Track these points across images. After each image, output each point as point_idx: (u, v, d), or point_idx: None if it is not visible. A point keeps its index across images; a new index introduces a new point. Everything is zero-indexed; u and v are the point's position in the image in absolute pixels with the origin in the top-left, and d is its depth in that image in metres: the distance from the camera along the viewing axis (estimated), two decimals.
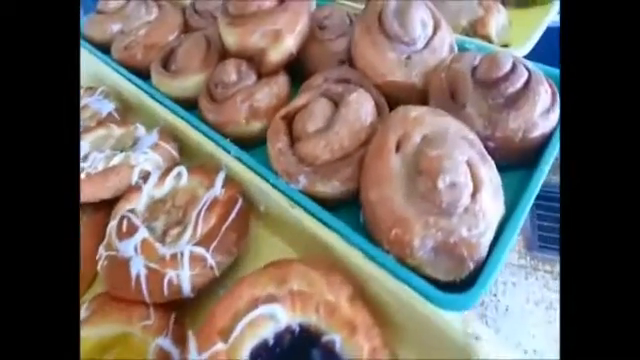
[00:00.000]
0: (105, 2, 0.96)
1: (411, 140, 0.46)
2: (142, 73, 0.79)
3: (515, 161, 0.51)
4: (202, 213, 0.50)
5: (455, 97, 0.53)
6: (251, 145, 0.64)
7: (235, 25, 0.66)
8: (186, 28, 0.89)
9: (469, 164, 0.43)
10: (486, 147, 0.48)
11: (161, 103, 0.71)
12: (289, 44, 0.65)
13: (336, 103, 0.57)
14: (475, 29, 0.67)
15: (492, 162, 0.46)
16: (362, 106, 0.55)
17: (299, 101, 0.59)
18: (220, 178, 0.55)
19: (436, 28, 0.59)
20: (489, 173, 0.44)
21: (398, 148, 0.46)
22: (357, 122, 0.54)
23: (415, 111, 0.49)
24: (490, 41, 0.68)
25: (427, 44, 0.58)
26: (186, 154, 0.66)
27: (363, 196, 0.47)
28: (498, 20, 0.69)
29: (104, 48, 0.89)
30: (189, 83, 0.72)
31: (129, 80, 0.78)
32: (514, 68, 0.50)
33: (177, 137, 0.66)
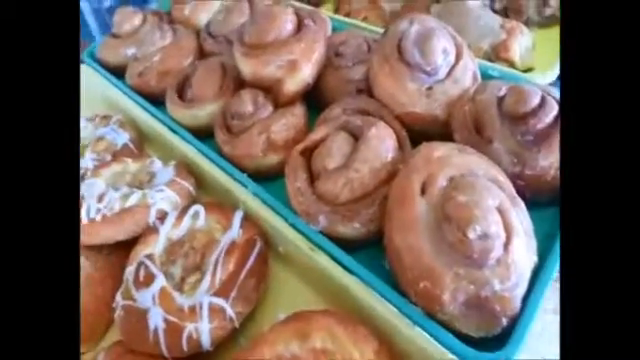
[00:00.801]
0: (119, 25, 0.96)
1: (437, 183, 0.44)
2: (157, 100, 0.78)
3: (546, 199, 0.48)
4: (220, 259, 0.48)
5: (481, 131, 0.51)
6: (269, 177, 0.62)
7: (251, 55, 0.65)
8: (201, 52, 0.88)
9: (500, 210, 0.41)
10: (515, 185, 0.45)
11: (176, 133, 0.70)
12: (305, 74, 0.63)
13: (355, 137, 0.56)
14: (497, 53, 0.65)
15: (523, 204, 0.43)
16: (383, 141, 0.53)
17: (317, 134, 0.58)
18: (238, 218, 0.54)
19: (458, 56, 0.57)
20: (521, 218, 0.42)
21: (423, 191, 0.44)
22: (378, 159, 0.52)
23: (439, 150, 0.47)
24: (513, 65, 0.65)
25: (449, 73, 0.56)
26: (203, 188, 0.65)
27: (388, 242, 0.45)
28: (521, 43, 0.66)
29: (118, 72, 0.88)
30: (204, 112, 0.71)
31: (144, 108, 0.77)
32: (543, 102, 0.48)
33: (194, 171, 0.65)
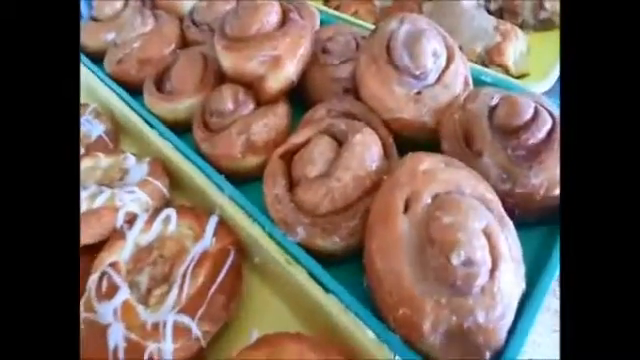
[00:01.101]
0: (100, 8, 0.92)
1: (421, 200, 0.41)
2: (136, 89, 0.74)
3: (537, 219, 0.46)
4: (189, 271, 0.45)
5: (470, 143, 0.48)
6: (248, 180, 0.59)
7: (232, 49, 0.61)
8: (183, 41, 0.83)
9: (486, 233, 0.38)
10: (504, 202, 0.43)
11: (153, 127, 0.67)
12: (289, 71, 0.60)
13: (339, 142, 0.53)
14: (491, 57, 0.62)
15: (511, 225, 0.41)
16: (367, 149, 0.50)
17: (299, 137, 0.55)
18: (212, 225, 0.51)
19: (449, 59, 0.54)
20: (509, 242, 0.39)
21: (407, 207, 0.41)
22: (362, 167, 0.49)
23: (425, 163, 0.44)
24: (507, 70, 0.62)
25: (439, 78, 0.53)
26: (179, 187, 0.61)
27: (367, 261, 0.43)
28: (516, 47, 0.63)
29: (98, 58, 0.84)
30: (183, 106, 0.68)
31: (121, 98, 0.73)
32: (536, 115, 0.45)
33: (169, 168, 0.62)
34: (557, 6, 0.65)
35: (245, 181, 0.59)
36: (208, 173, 0.57)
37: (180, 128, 0.66)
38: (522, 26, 0.69)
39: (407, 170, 0.44)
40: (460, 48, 0.63)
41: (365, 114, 0.56)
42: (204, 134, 0.61)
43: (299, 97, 0.65)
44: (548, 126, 0.44)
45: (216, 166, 0.59)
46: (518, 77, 0.63)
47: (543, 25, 0.68)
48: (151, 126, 0.67)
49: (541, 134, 0.44)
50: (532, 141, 0.44)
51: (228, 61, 0.62)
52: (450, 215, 0.38)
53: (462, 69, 0.54)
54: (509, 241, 0.39)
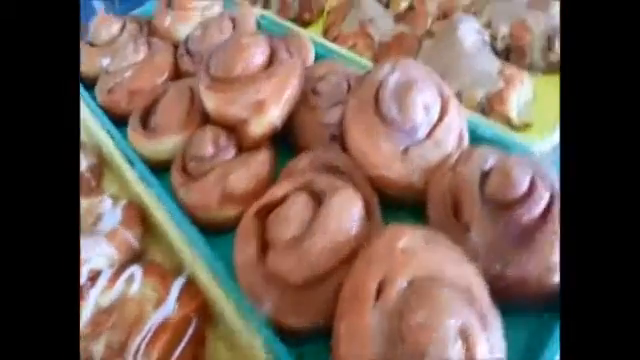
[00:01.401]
0: (97, 32, 0.90)
1: (395, 284, 0.36)
2: (126, 122, 0.71)
3: (530, 304, 0.41)
4: (143, 345, 0.42)
5: (459, 213, 0.43)
6: (226, 231, 0.55)
7: (215, 90, 0.57)
8: (176, 70, 0.80)
9: (464, 334, 0.33)
10: (495, 286, 0.38)
11: (134, 166, 0.64)
12: (273, 116, 0.56)
13: (319, 200, 0.48)
14: (492, 105, 0.56)
15: (496, 321, 0.36)
16: (347, 212, 0.46)
17: (277, 191, 0.51)
18: (176, 288, 0.48)
19: (443, 112, 0.49)
20: (490, 342, 0.34)
21: (380, 290, 0.37)
22: (339, 233, 0.45)
23: (405, 239, 0.39)
24: (509, 121, 0.56)
25: (430, 133, 0.49)
26: (153, 235, 0.58)
27: (334, 343, 0.38)
28: (520, 95, 0.57)
29: (92, 84, 0.82)
30: (165, 146, 0.64)
31: (108, 132, 0.70)
32: (532, 189, 0.40)
33: (145, 213, 0.58)
34: None
35: (224, 232, 0.55)
36: (181, 224, 0.54)
37: (163, 170, 0.63)
38: (530, 67, 0.63)
39: (385, 246, 0.39)
40: (459, 93, 0.58)
41: (349, 168, 0.51)
42: (182, 179, 0.58)
43: (287, 139, 0.61)
44: (544, 203, 0.39)
45: (192, 215, 0.55)
46: (521, 128, 0.57)
47: (552, 68, 0.62)
48: (132, 164, 0.64)
49: (536, 211, 0.39)
50: (526, 218, 0.39)
51: (210, 102, 0.59)
52: (425, 309, 0.34)
53: (456, 123, 0.49)
54: (491, 341, 0.34)
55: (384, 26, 0.70)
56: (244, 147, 0.58)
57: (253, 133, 0.56)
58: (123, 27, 0.91)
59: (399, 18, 0.70)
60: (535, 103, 0.59)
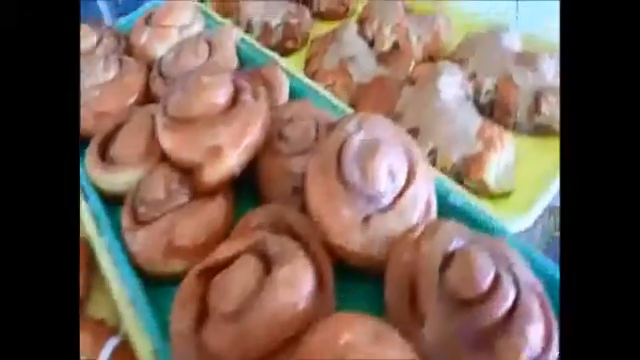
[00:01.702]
0: None
1: None
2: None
3: None
4: None
5: (415, 299, 0.39)
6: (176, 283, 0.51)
7: (171, 130, 0.53)
8: (147, 92, 0.76)
9: None
10: None
11: (87, 200, 0.59)
12: (230, 163, 0.52)
13: (269, 267, 0.44)
14: (468, 169, 0.52)
15: None
16: (295, 286, 0.41)
17: (225, 251, 0.46)
18: (107, 351, 0.43)
19: (410, 178, 0.45)
20: None
21: None
22: (283, 310, 0.40)
23: (349, 333, 0.35)
24: (485, 188, 0.52)
25: (394, 202, 0.44)
26: (97, 283, 0.54)
27: None
28: (500, 159, 0.52)
29: None
30: (121, 180, 0.60)
31: None
32: (496, 285, 0.36)
33: (92, 257, 0.54)
34: (556, 112, 0.55)
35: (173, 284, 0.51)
36: (123, 275, 0.50)
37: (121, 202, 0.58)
38: (515, 127, 0.59)
39: (327, 337, 0.35)
40: (433, 151, 0.54)
41: (306, 232, 0.47)
42: (129, 223, 0.54)
43: (250, 183, 0.57)
44: (509, 303, 0.35)
45: (137, 266, 0.51)
46: (499, 196, 0.52)
47: (538, 131, 0.57)
48: (86, 198, 0.60)
49: (500, 310, 0.35)
50: (486, 320, 0.35)
51: (166, 143, 0.54)
52: None
53: (424, 191, 0.45)
54: None
55: (365, 66, 0.66)
56: (198, 194, 0.53)
57: (208, 180, 0.52)
58: (100, 41, 0.86)
59: (381, 59, 0.66)
60: (517, 169, 0.54)
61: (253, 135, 0.52)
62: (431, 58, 0.71)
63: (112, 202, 0.59)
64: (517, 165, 0.54)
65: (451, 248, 0.40)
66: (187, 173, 0.54)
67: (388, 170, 0.44)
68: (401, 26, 0.71)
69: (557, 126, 0.56)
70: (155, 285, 0.50)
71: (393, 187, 0.45)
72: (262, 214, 0.50)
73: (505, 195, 0.52)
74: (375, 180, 0.43)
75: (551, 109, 0.55)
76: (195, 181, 0.53)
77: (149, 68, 0.79)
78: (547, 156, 0.54)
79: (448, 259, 0.40)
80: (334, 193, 0.45)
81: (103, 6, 1.71)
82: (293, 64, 0.77)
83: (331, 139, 0.48)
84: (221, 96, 0.53)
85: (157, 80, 0.74)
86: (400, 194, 0.44)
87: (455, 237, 0.41)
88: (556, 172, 0.51)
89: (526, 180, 0.53)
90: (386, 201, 0.44)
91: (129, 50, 0.85)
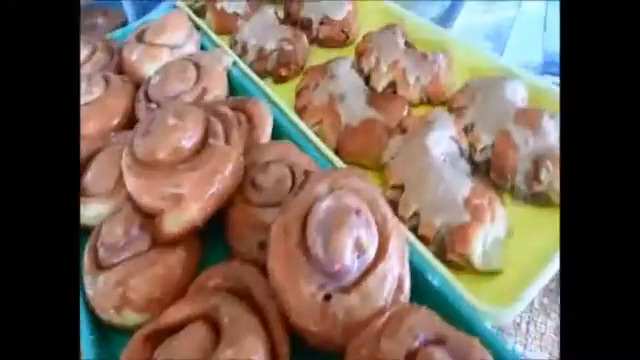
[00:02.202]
0: None
1: None
2: None
3: None
4: None
5: None
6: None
7: (134, 172, 0.50)
8: (132, 114, 0.72)
9: None
10: None
11: None
12: (192, 214, 0.48)
13: (219, 336, 0.40)
14: (452, 240, 0.46)
15: None
16: None
17: (175, 314, 0.43)
18: None
19: (380, 255, 0.40)
20: None
21: None
22: None
23: None
24: (470, 264, 0.46)
25: (360, 280, 0.39)
26: None
27: None
28: (489, 233, 0.46)
29: None
30: (89, 212, 0.56)
31: None
32: None
33: None
34: (556, 181, 0.49)
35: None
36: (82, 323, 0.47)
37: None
38: (512, 190, 0.53)
39: None
40: (416, 214, 0.49)
41: (266, 301, 0.43)
42: (89, 267, 0.50)
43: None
44: None
45: (94, 313, 0.48)
46: (485, 274, 0.47)
47: (536, 199, 0.51)
48: None
49: None
50: None
51: (129, 184, 0.51)
52: None
53: (396, 268, 0.40)
54: None
55: (355, 106, 0.61)
56: (158, 242, 0.49)
57: (167, 230, 0.48)
58: (92, 54, 0.83)
59: (372, 102, 0.61)
60: (509, 243, 0.49)
61: (220, 184, 0.48)
62: (429, 101, 0.66)
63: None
64: (509, 238, 0.49)
65: (415, 345, 0.35)
66: (149, 218, 0.50)
67: (355, 244, 0.39)
68: (399, 65, 0.65)
69: (556, 197, 0.50)
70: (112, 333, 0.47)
71: (360, 263, 0.40)
72: (221, 273, 0.46)
73: (493, 273, 0.47)
74: (338, 257, 0.39)
75: (551, 178, 0.49)
76: (155, 229, 0.49)
77: (138, 87, 0.75)
78: (545, 230, 0.48)
79: (411, 356, 0.35)
80: (295, 263, 0.40)
81: (127, 5, 1.69)
82: (286, 93, 0.73)
83: (299, 199, 0.43)
84: (188, 140, 0.49)
85: (141, 104, 0.71)
86: (367, 271, 0.40)
87: (422, 332, 0.36)
88: (555, 249, 0.45)
89: (518, 257, 0.47)
90: (351, 278, 0.40)
91: (121, 65, 0.82)
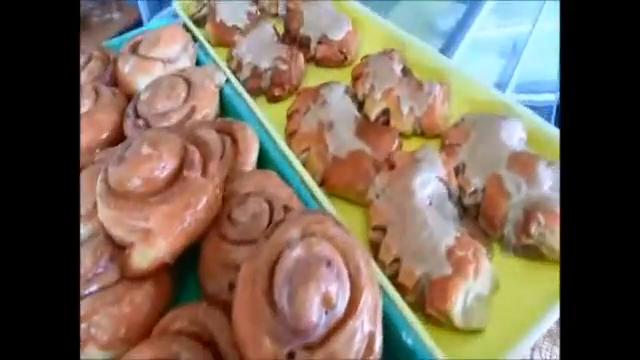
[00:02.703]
0: None
1: None
2: None
3: None
4: None
5: None
6: None
7: (106, 201, 0.47)
8: (121, 129, 0.71)
9: None
10: None
11: None
12: (159, 251, 0.46)
13: None
14: (432, 295, 0.43)
15: None
16: None
17: (137, 356, 0.41)
18: None
19: (351, 310, 0.37)
20: None
21: None
22: None
23: None
24: (450, 321, 0.43)
25: (327, 338, 0.37)
26: None
27: None
28: (470, 290, 0.43)
29: None
30: None
31: None
32: None
33: None
34: (547, 235, 0.46)
35: None
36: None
37: None
38: (501, 240, 0.49)
39: None
40: (396, 261, 0.46)
41: (228, 350, 0.41)
42: None
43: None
44: None
45: None
46: (466, 332, 0.44)
47: (526, 252, 0.48)
48: None
49: None
50: None
51: (101, 214, 0.49)
52: None
53: (366, 326, 0.38)
54: None
55: (344, 135, 0.58)
56: (126, 277, 0.47)
57: (135, 265, 0.46)
58: (86, 63, 0.82)
59: (362, 133, 0.58)
60: (495, 298, 0.45)
61: (191, 219, 0.46)
62: (422, 133, 0.63)
63: None
64: (495, 293, 0.45)
65: None
66: (120, 249, 0.48)
67: (323, 299, 0.37)
68: (393, 93, 0.62)
69: (547, 252, 0.47)
70: None
71: (328, 318, 0.37)
72: (187, 316, 0.44)
73: (475, 332, 0.43)
74: (303, 313, 0.36)
75: (541, 231, 0.46)
76: (123, 264, 0.47)
77: (130, 99, 0.74)
78: (535, 285, 0.45)
79: None
80: (259, 315, 0.38)
81: (141, 2, 1.69)
82: (279, 112, 0.71)
83: (269, 244, 0.41)
84: (161, 170, 0.46)
85: (129, 120, 0.69)
86: (336, 328, 0.37)
87: None
88: (545, 309, 0.42)
89: (505, 314, 0.44)
90: (318, 335, 0.37)
91: (115, 75, 0.80)
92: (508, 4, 1.50)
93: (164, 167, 0.47)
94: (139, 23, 1.70)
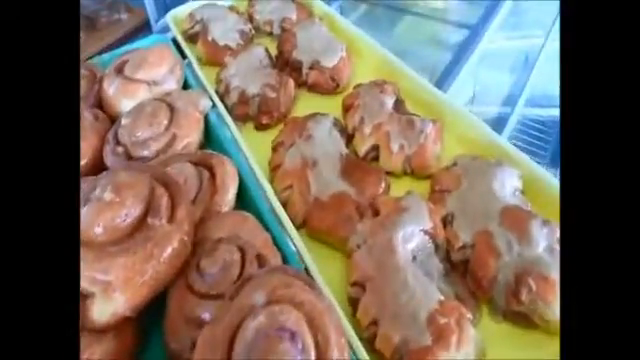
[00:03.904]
0: None
1: None
2: None
3: None
4: None
5: None
6: None
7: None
8: (101, 155, 0.68)
9: None
10: None
11: None
12: (120, 306, 0.42)
13: None
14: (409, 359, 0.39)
15: None
16: None
17: None
18: None
19: None
20: None
21: None
22: None
23: None
24: None
25: None
26: None
27: None
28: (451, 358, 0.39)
29: None
30: None
31: None
32: None
33: None
34: (539, 304, 0.42)
35: None
36: None
37: None
38: (490, 303, 0.46)
39: None
40: (374, 323, 0.43)
41: None
42: None
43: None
44: None
45: None
46: None
47: (515, 319, 0.44)
48: None
49: None
50: None
51: None
52: None
53: None
54: None
55: (328, 175, 0.54)
56: (86, 329, 0.44)
57: (95, 318, 0.43)
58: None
59: (346, 173, 0.54)
60: None
61: (154, 271, 0.43)
62: (413, 172, 0.59)
63: None
64: None
65: None
66: (82, 298, 0.45)
67: None
68: (382, 128, 0.59)
69: (540, 322, 0.43)
70: None
71: None
72: None
73: None
74: None
75: (533, 298, 0.42)
76: (82, 315, 0.43)
77: (114, 122, 0.71)
78: (525, 353, 0.41)
79: None
80: None
81: (150, 3, 1.68)
82: (267, 139, 0.68)
83: (233, 308, 0.37)
84: (123, 218, 0.43)
85: (109, 147, 0.66)
86: None
87: None
88: None
89: None
90: None
91: (101, 94, 0.77)
92: (519, 17, 1.46)
93: (126, 215, 0.44)
94: (147, 24, 1.69)
